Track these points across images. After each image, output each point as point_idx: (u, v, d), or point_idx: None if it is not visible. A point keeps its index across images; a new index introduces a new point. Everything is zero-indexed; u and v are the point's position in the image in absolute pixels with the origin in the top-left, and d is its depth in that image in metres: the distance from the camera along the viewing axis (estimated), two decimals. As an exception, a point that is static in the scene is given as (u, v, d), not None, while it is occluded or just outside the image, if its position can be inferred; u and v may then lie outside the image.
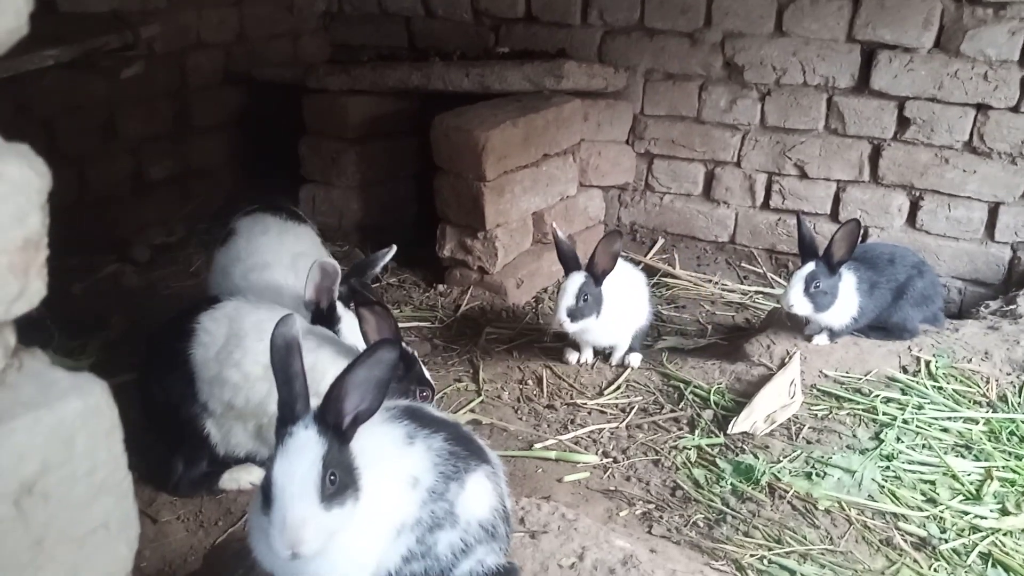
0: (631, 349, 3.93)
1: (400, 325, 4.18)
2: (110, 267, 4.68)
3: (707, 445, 3.34)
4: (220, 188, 5.57)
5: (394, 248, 3.48)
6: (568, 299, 3.56)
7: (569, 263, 3.64)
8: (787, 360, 3.76)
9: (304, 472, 1.65)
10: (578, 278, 3.59)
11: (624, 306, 3.76)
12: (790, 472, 3.15)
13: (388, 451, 1.88)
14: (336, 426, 1.72)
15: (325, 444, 1.68)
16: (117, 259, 4.76)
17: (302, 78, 5.10)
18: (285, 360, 1.72)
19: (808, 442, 3.35)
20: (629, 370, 3.88)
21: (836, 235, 3.62)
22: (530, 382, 3.81)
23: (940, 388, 3.59)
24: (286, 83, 5.26)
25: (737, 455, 3.27)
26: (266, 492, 1.68)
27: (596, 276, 3.60)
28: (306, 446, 1.67)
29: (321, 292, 3.10)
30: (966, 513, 2.89)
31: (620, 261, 3.73)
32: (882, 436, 3.29)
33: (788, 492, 3.03)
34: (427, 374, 2.77)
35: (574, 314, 3.57)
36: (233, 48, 5.48)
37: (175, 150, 5.30)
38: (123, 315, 4.19)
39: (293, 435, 1.68)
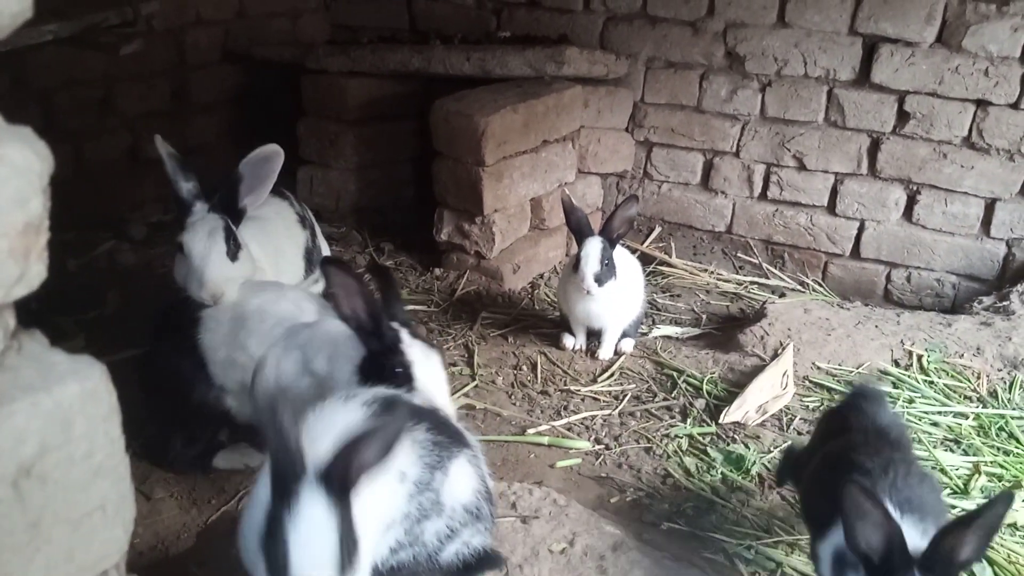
0: (624, 335, 3.94)
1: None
2: (106, 244, 4.68)
3: (699, 434, 3.36)
4: (217, 167, 5.54)
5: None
6: (593, 263, 3.56)
7: (583, 230, 3.64)
8: (780, 351, 3.78)
9: (321, 548, 1.56)
10: (597, 242, 3.58)
11: (623, 288, 3.76)
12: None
13: None
14: (343, 488, 1.62)
15: (336, 513, 1.59)
16: (113, 236, 4.76)
17: (301, 58, 5.07)
18: (273, 417, 1.59)
19: (799, 433, 3.38)
20: (622, 357, 3.90)
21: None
22: (524, 368, 3.82)
23: (931, 382, 3.61)
24: (285, 63, 5.23)
25: (728, 444, 3.29)
26: (274, 554, 1.58)
27: (611, 241, 3.61)
28: (316, 515, 1.57)
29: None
30: (953, 507, 2.92)
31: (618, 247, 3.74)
32: (872, 429, 3.32)
33: (778, 483, 3.06)
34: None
35: (599, 278, 3.57)
36: (232, 26, 5.45)
37: (172, 128, 5.27)
38: (118, 292, 4.19)
39: (300, 499, 1.58)
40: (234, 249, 2.87)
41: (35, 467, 1.10)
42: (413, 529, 1.91)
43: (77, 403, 1.14)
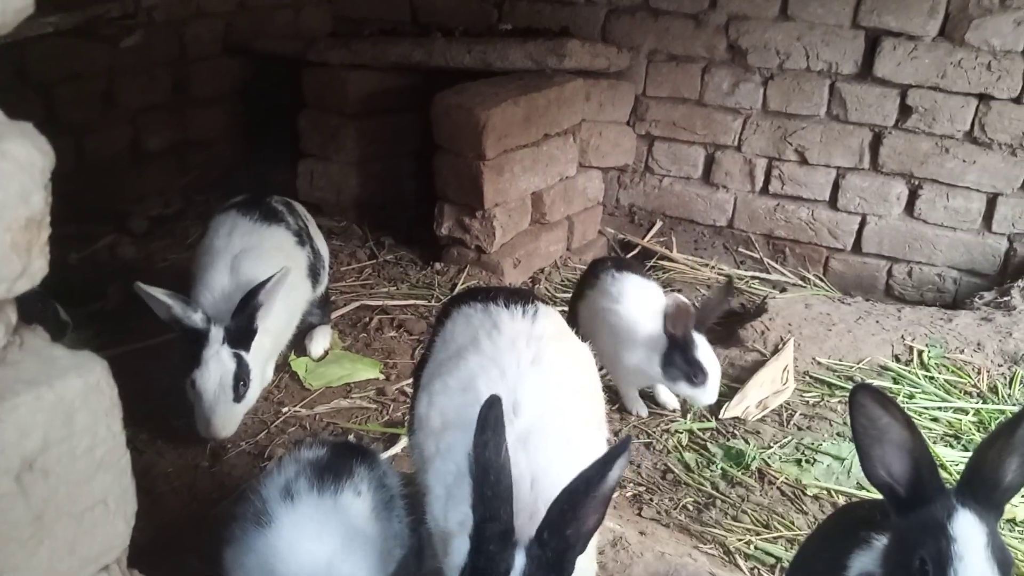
0: None
1: (396, 303, 4.24)
2: (107, 237, 4.68)
3: (699, 429, 3.37)
4: (218, 160, 5.54)
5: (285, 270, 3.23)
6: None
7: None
8: (781, 346, 3.78)
9: None
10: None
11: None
12: (780, 458, 3.18)
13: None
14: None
15: None
16: (114, 229, 4.76)
17: (302, 51, 5.05)
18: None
19: (799, 428, 3.38)
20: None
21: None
22: (525, 362, 3.82)
23: (932, 378, 3.62)
24: (287, 56, 5.22)
25: (728, 440, 3.30)
26: None
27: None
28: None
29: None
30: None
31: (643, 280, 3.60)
32: (873, 424, 3.32)
33: (778, 478, 3.07)
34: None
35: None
36: (234, 18, 5.44)
37: (173, 121, 5.27)
38: (120, 286, 4.20)
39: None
40: (243, 390, 3.06)
41: (38, 461, 1.10)
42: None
43: (79, 397, 1.15)
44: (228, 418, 3.04)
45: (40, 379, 1.12)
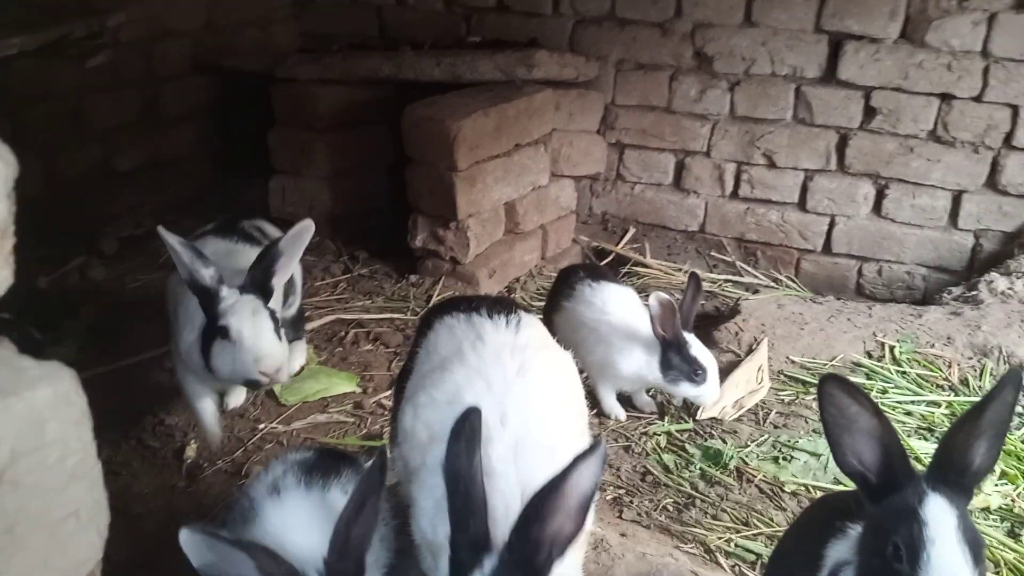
0: None
1: (371, 317, 4.23)
2: (77, 259, 4.63)
3: (676, 431, 3.39)
4: (190, 179, 5.51)
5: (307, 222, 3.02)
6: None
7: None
8: (755, 347, 3.82)
9: None
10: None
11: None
12: (758, 456, 3.20)
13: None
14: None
15: None
16: (85, 251, 4.71)
17: (271, 67, 5.05)
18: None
19: (775, 427, 3.41)
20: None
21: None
22: (502, 371, 3.82)
23: (904, 372, 3.66)
24: (256, 72, 5.21)
25: (706, 440, 3.32)
26: None
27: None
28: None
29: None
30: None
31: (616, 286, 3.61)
32: (847, 420, 3.35)
33: (756, 476, 3.09)
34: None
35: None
36: (201, 37, 5.43)
37: (143, 140, 5.24)
38: (91, 307, 4.16)
39: None
40: (279, 327, 2.81)
41: (7, 472, 1.09)
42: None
43: (49, 407, 1.14)
44: (278, 347, 2.73)
45: (8, 389, 1.11)
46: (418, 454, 1.95)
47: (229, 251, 3.24)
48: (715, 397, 3.35)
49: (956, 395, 3.53)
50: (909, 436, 3.28)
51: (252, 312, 2.73)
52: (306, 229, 2.89)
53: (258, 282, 2.80)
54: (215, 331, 2.74)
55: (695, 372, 3.27)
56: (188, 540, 1.52)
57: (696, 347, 3.29)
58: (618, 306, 3.46)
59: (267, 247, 2.86)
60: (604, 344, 3.40)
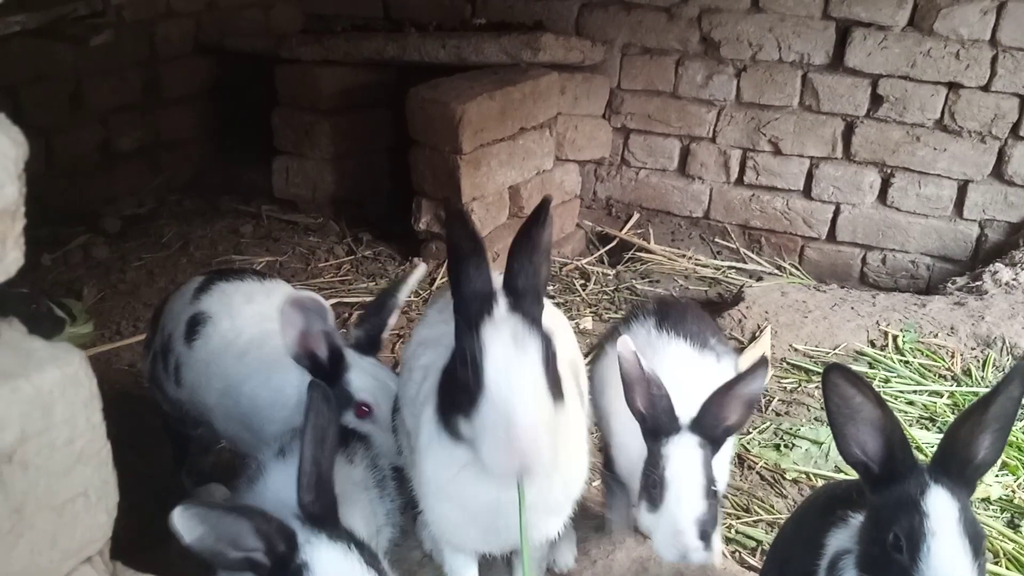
0: None
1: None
2: (79, 239, 4.63)
3: (679, 417, 3.38)
4: (190, 159, 5.50)
5: (422, 267, 2.85)
6: (696, 503, 1.84)
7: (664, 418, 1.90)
8: (758, 334, 3.81)
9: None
10: (693, 445, 1.88)
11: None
12: (759, 443, 3.21)
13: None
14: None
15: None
16: (87, 230, 4.70)
17: (274, 48, 5.03)
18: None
19: (777, 414, 3.41)
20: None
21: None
22: (505, 355, 3.82)
23: (907, 362, 3.66)
24: (258, 53, 5.19)
25: (709, 427, 3.32)
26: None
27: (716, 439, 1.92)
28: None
29: (311, 337, 2.26)
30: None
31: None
32: (850, 409, 3.35)
33: (757, 463, 3.10)
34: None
35: (706, 528, 1.84)
36: (203, 17, 5.39)
37: (144, 121, 5.22)
38: (95, 286, 4.16)
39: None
40: None
41: (16, 453, 1.09)
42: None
43: (57, 389, 1.13)
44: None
45: (17, 371, 1.10)
46: (413, 387, 1.97)
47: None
48: None
49: (959, 385, 3.53)
50: (911, 426, 3.28)
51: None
52: (421, 272, 2.69)
53: (372, 337, 2.44)
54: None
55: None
56: (180, 517, 1.52)
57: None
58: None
59: (384, 291, 2.52)
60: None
